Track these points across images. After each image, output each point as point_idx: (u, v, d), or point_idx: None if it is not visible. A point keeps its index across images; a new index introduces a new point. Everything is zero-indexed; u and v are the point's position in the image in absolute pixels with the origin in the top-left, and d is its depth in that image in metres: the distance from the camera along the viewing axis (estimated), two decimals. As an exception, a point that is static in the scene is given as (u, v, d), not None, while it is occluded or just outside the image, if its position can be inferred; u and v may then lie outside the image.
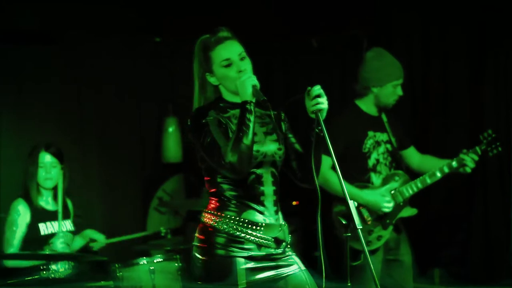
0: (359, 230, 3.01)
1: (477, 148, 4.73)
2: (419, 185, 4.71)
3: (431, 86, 5.91)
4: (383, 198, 4.60)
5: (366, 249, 3.03)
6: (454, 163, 4.71)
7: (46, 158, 4.83)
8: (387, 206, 4.60)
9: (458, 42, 5.74)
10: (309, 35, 6.46)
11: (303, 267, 3.34)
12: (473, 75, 5.66)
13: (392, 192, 4.69)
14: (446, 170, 4.71)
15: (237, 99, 3.26)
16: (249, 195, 3.24)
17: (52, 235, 4.73)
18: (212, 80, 3.34)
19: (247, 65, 3.29)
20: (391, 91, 4.69)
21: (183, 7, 6.05)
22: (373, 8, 6.09)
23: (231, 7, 5.92)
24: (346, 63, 6.40)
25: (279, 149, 3.33)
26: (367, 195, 4.59)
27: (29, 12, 5.67)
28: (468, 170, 4.70)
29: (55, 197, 4.89)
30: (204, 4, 6.03)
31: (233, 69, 3.27)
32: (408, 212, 4.75)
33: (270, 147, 3.30)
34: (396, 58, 4.73)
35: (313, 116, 3.21)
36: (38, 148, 4.85)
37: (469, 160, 4.67)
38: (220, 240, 3.19)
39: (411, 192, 4.70)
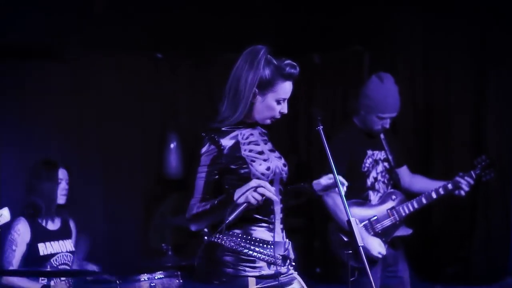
0: (361, 247, 3.02)
1: (472, 173, 4.77)
2: (415, 205, 4.74)
3: (433, 105, 5.93)
4: (378, 246, 4.61)
5: (367, 266, 3.03)
6: (449, 186, 4.75)
7: (64, 173, 4.82)
8: (380, 253, 4.61)
9: (460, 60, 5.76)
10: (311, 51, 6.49)
11: (305, 286, 3.33)
12: (474, 93, 5.69)
13: (388, 211, 4.71)
14: (441, 192, 4.75)
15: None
16: (260, 213, 3.23)
17: (51, 256, 4.71)
18: (254, 96, 3.27)
19: (286, 105, 3.32)
20: (378, 123, 4.71)
21: (184, 23, 6.07)
22: (375, 26, 6.11)
23: (232, 25, 5.94)
24: (347, 79, 6.42)
25: (284, 165, 3.35)
26: (365, 238, 4.57)
27: (31, 27, 5.68)
28: (463, 193, 4.75)
29: (56, 216, 4.86)
30: (205, 21, 6.06)
31: (278, 104, 3.29)
32: (404, 231, 4.77)
33: (277, 163, 3.31)
34: (397, 85, 4.74)
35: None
36: (56, 164, 4.82)
37: (464, 184, 4.72)
38: (229, 258, 3.18)
39: (407, 211, 4.73)
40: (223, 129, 3.25)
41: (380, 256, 4.60)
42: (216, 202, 3.14)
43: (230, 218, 3.06)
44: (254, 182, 3.08)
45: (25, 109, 5.93)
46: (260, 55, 3.23)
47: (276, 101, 3.27)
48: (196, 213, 3.18)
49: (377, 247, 4.59)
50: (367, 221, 4.67)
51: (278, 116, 3.31)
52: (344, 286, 4.35)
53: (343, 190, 3.21)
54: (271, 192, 3.08)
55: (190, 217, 3.20)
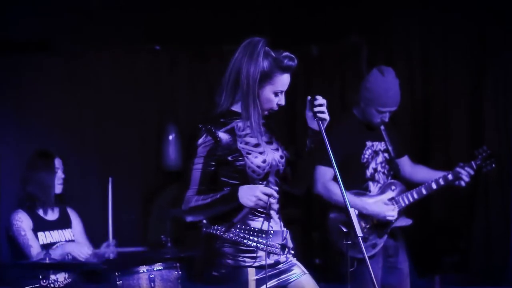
0: (360, 238, 3.02)
1: (473, 163, 4.77)
2: (415, 195, 4.74)
3: (431, 98, 5.93)
4: (387, 207, 4.60)
5: (366, 257, 3.03)
6: (450, 176, 4.75)
7: (60, 163, 4.85)
8: (391, 214, 4.60)
9: (458, 53, 5.77)
10: (309, 43, 6.47)
11: (306, 271, 3.35)
12: (472, 86, 5.70)
13: (388, 201, 4.71)
14: (442, 182, 4.75)
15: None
16: None
17: (51, 245, 4.71)
18: None
19: (283, 97, 3.31)
20: (377, 116, 4.70)
21: (183, 15, 6.06)
22: (373, 17, 6.10)
23: (230, 17, 5.93)
24: (345, 71, 6.41)
25: (281, 157, 3.34)
26: (371, 205, 4.59)
27: (29, 22, 5.67)
28: (463, 183, 4.75)
29: (54, 206, 4.87)
30: (203, 14, 6.04)
31: (276, 96, 3.29)
32: (403, 222, 4.77)
33: (273, 156, 3.30)
34: (397, 79, 4.72)
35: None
36: (52, 154, 4.83)
37: (465, 174, 4.72)
38: (228, 249, 3.18)
39: (407, 202, 4.73)
40: (220, 120, 3.25)
41: (392, 218, 4.59)
42: (218, 196, 3.15)
43: (235, 220, 3.16)
44: (261, 194, 3.09)
45: (24, 105, 5.93)
46: (259, 47, 3.22)
47: (274, 93, 3.27)
48: (195, 206, 3.17)
49: (387, 209, 4.60)
50: None
51: (276, 108, 3.31)
52: (343, 277, 4.34)
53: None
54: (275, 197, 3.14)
55: (188, 209, 3.19)
